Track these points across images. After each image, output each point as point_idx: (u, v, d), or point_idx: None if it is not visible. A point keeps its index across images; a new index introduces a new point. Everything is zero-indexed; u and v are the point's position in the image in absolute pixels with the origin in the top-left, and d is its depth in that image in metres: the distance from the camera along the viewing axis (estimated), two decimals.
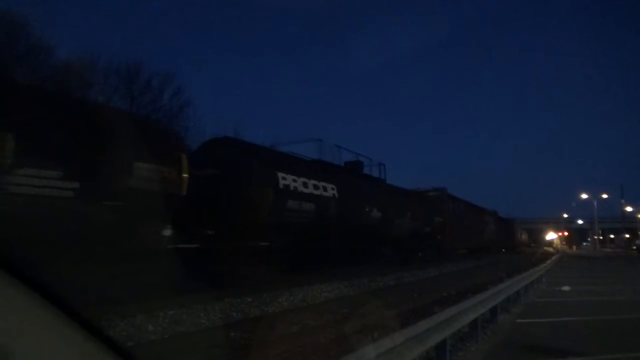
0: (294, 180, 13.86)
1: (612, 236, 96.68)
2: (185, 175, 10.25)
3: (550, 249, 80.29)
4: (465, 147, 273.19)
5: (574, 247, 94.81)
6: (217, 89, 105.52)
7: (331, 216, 15.38)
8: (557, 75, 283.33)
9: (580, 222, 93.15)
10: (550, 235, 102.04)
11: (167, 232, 10.62)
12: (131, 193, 8.85)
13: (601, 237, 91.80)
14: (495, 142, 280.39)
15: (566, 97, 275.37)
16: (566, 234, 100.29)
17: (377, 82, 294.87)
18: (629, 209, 73.88)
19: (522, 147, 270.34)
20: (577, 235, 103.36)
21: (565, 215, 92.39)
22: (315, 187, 14.84)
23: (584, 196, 75.85)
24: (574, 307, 11.87)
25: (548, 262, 27.30)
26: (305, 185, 14.25)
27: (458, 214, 32.17)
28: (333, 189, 15.78)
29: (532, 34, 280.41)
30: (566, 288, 16.05)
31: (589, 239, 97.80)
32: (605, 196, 75.10)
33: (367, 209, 18.53)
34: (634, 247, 65.40)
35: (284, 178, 13.38)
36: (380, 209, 19.18)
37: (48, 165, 7.55)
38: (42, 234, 6.88)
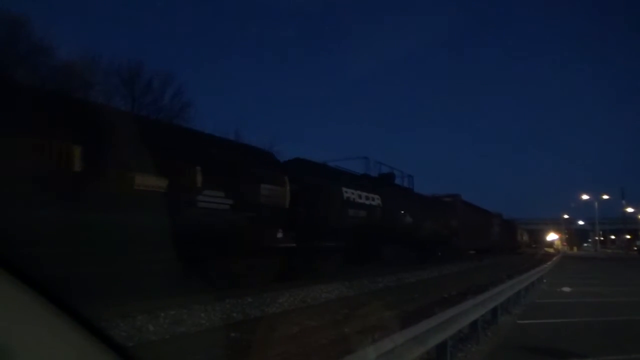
0: (352, 193, 18.01)
1: (612, 237, 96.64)
2: (288, 192, 13.90)
3: (551, 250, 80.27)
4: (466, 148, 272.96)
5: (575, 248, 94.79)
6: (217, 90, 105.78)
7: (377, 221, 19.20)
8: (557, 77, 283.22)
9: (581, 223, 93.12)
10: (551, 236, 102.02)
11: (280, 234, 14.15)
12: (260, 206, 12.66)
13: (602, 238, 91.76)
14: (496, 143, 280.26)
15: (567, 98, 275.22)
16: (567, 234, 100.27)
17: (374, 85, 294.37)
18: (629, 210, 73.88)
19: (523, 147, 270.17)
20: (578, 236, 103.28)
21: (566, 216, 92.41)
22: (366, 197, 18.94)
23: (585, 197, 75.90)
24: (574, 308, 11.86)
25: (549, 262, 27.29)
26: (359, 196, 18.41)
27: (469, 217, 35.04)
28: (378, 199, 19.86)
29: (532, 34, 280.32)
30: (567, 289, 16.05)
31: (589, 240, 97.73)
32: (606, 197, 75.21)
33: (402, 215, 22.60)
34: (635, 248, 65.42)
35: (345, 192, 17.61)
36: (411, 214, 23.26)
37: (217, 189, 11.15)
38: (213, 232, 10.92)
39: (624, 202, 72.29)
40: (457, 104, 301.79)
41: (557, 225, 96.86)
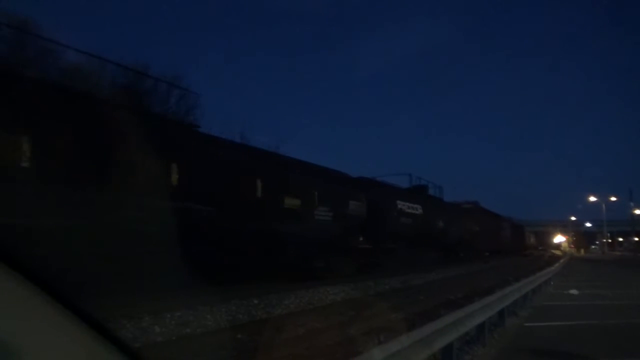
0: (403, 204, 22.98)
1: (620, 239, 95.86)
2: (365, 206, 18.81)
3: (558, 252, 79.74)
4: (470, 149, 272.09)
5: (582, 251, 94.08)
6: (223, 92, 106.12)
7: (419, 227, 23.94)
8: (564, 78, 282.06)
9: (588, 225, 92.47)
10: (558, 238, 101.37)
11: (360, 238, 19.22)
12: (348, 217, 17.46)
13: (610, 241, 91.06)
14: (499, 144, 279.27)
15: (575, 100, 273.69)
16: (574, 237, 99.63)
17: (374, 88, 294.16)
18: (638, 212, 73.23)
19: (530, 149, 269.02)
20: (585, 239, 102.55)
21: (573, 218, 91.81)
22: (412, 207, 23.87)
23: (592, 199, 75.40)
24: (582, 311, 11.78)
25: (556, 265, 27.13)
26: (408, 207, 23.39)
27: (485, 222, 39.71)
28: (420, 209, 24.69)
29: (536, 36, 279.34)
30: (574, 291, 15.94)
31: (597, 242, 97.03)
32: (613, 199, 74.68)
33: (437, 222, 27.58)
34: None
35: (399, 203, 22.65)
36: (442, 221, 28.42)
37: (325, 206, 15.92)
38: (323, 236, 15.49)
39: (632, 204, 71.83)
40: (462, 107, 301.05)
41: (564, 228, 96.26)
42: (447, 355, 5.89)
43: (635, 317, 10.54)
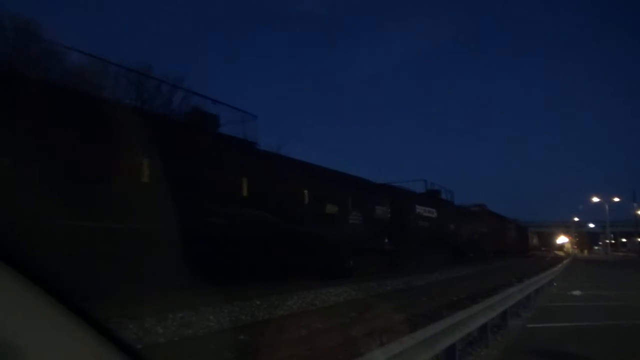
0: (421, 209, 25.11)
1: (624, 240, 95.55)
2: (389, 210, 21.02)
3: (561, 253, 79.51)
4: (473, 150, 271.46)
5: (586, 251, 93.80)
6: (225, 92, 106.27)
7: (434, 230, 25.97)
8: (567, 78, 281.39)
9: (591, 225, 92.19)
10: (561, 239, 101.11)
11: (386, 239, 21.12)
12: (375, 220, 19.55)
13: (613, 241, 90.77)
14: (503, 145, 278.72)
15: (578, 100, 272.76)
16: (577, 237, 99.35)
17: (374, 88, 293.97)
18: None
19: (533, 150, 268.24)
20: (588, 239, 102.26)
21: (576, 219, 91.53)
22: (429, 211, 25.93)
23: (595, 200, 75.20)
24: (585, 312, 11.75)
25: (559, 266, 27.09)
26: (424, 210, 25.52)
27: (492, 224, 41.83)
28: (435, 212, 26.74)
29: (540, 37, 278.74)
30: (577, 292, 15.91)
31: (600, 243, 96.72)
32: (617, 200, 74.44)
33: (449, 224, 29.67)
34: None
35: (417, 207, 24.74)
36: (454, 224, 30.77)
37: (356, 211, 18.08)
38: (355, 238, 17.61)
39: (635, 204, 71.55)
40: (463, 106, 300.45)
41: (567, 228, 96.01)
42: (450, 356, 5.88)
43: (638, 319, 10.51)
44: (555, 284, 18.55)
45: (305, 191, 15.14)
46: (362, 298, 12.70)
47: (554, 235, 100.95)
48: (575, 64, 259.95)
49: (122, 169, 8.70)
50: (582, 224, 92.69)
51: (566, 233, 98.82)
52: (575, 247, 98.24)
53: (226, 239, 10.98)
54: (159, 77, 30.97)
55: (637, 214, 72.53)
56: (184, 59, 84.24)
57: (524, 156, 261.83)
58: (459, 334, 6.01)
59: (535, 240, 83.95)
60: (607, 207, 75.24)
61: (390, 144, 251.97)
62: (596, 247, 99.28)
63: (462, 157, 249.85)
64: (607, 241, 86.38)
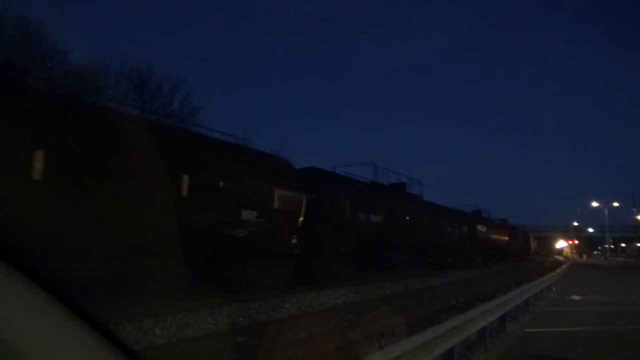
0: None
1: (623, 245, 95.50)
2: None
3: (561, 258, 79.43)
4: (473, 152, 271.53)
5: (585, 256, 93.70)
6: (225, 93, 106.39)
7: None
8: (567, 83, 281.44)
9: (590, 230, 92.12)
10: (560, 244, 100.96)
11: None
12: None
13: (612, 246, 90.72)
14: (503, 147, 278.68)
15: (578, 104, 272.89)
16: (576, 242, 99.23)
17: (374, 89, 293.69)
18: None
19: (532, 154, 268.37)
20: (587, 244, 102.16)
21: (576, 224, 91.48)
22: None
23: (595, 204, 75.15)
24: (584, 317, 11.73)
25: (558, 270, 27.04)
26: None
27: (491, 229, 41.04)
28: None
29: (542, 40, 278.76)
30: (576, 297, 15.89)
31: (599, 248, 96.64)
32: (616, 204, 74.41)
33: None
34: None
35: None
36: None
37: (379, 214, 19.92)
38: (372, 238, 19.38)
39: (635, 209, 71.61)
40: (460, 107, 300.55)
41: (566, 233, 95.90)
42: None
43: (637, 324, 10.49)
44: (554, 288, 18.52)
45: (349, 201, 17.59)
46: (361, 301, 12.67)
47: (553, 240, 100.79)
48: (576, 68, 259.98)
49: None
50: (582, 228, 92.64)
51: (565, 237, 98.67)
52: (575, 252, 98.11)
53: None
54: (160, 79, 31.06)
55: (637, 219, 72.54)
56: (185, 59, 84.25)
57: (524, 160, 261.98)
58: (458, 338, 6.01)
59: (534, 245, 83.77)
60: (606, 211, 75.27)
61: (391, 144, 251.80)
62: (595, 252, 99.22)
63: (462, 157, 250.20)
64: (607, 246, 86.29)
